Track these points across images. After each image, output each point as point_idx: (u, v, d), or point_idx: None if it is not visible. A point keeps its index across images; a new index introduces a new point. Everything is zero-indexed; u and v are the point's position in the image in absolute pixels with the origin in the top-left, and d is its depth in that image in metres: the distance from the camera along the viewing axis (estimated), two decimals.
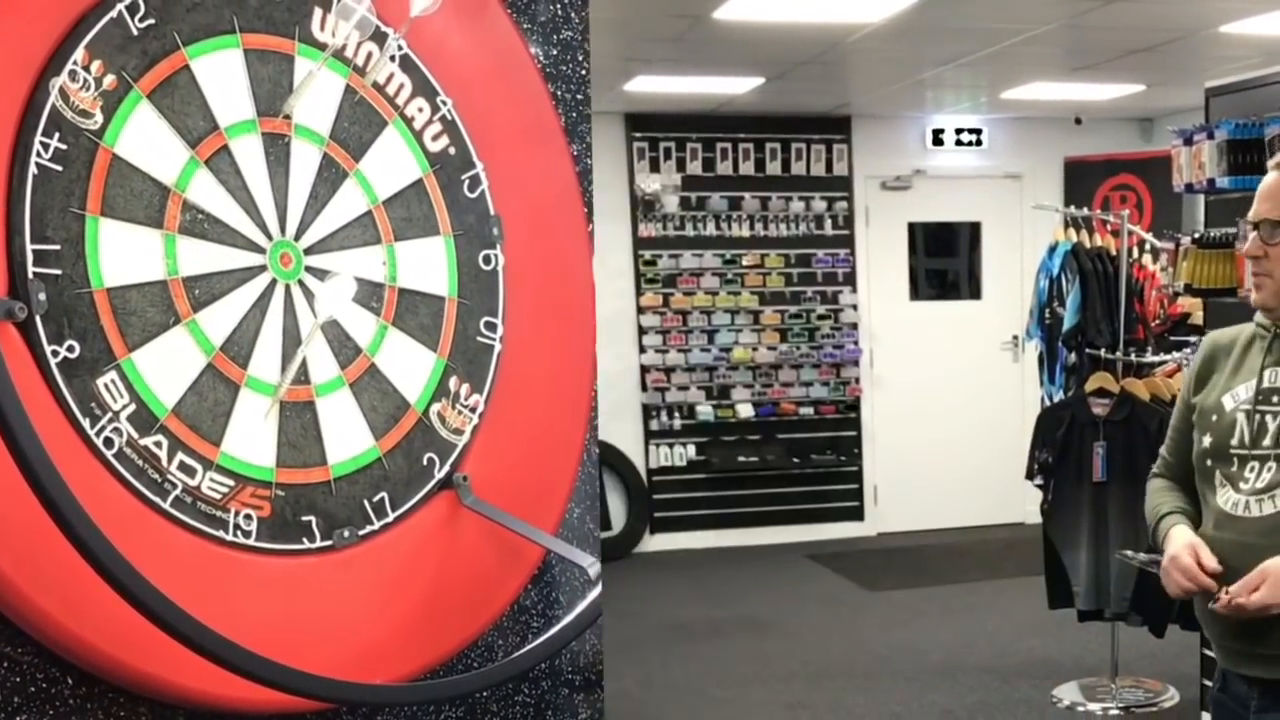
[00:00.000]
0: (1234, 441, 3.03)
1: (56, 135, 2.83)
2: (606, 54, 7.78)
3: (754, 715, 6.38)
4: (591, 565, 3.04)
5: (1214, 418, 3.09)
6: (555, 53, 3.35)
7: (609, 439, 9.95)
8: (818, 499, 10.59)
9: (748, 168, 10.24)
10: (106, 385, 2.87)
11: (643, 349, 10.12)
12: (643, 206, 10.09)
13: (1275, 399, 3.02)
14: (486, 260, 3.31)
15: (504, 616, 3.22)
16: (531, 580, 3.25)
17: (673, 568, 9.75)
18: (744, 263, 10.24)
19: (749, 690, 6.76)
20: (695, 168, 10.17)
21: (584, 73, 3.40)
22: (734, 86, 9.02)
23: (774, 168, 10.32)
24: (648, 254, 10.12)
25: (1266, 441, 2.99)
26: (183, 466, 2.95)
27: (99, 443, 2.85)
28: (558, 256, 3.40)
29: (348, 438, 3.15)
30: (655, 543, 10.31)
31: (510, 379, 3.27)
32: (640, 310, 10.11)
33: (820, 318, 10.36)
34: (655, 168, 10.12)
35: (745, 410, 10.25)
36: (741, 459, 10.26)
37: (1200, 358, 3.22)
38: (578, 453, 3.33)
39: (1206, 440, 3.09)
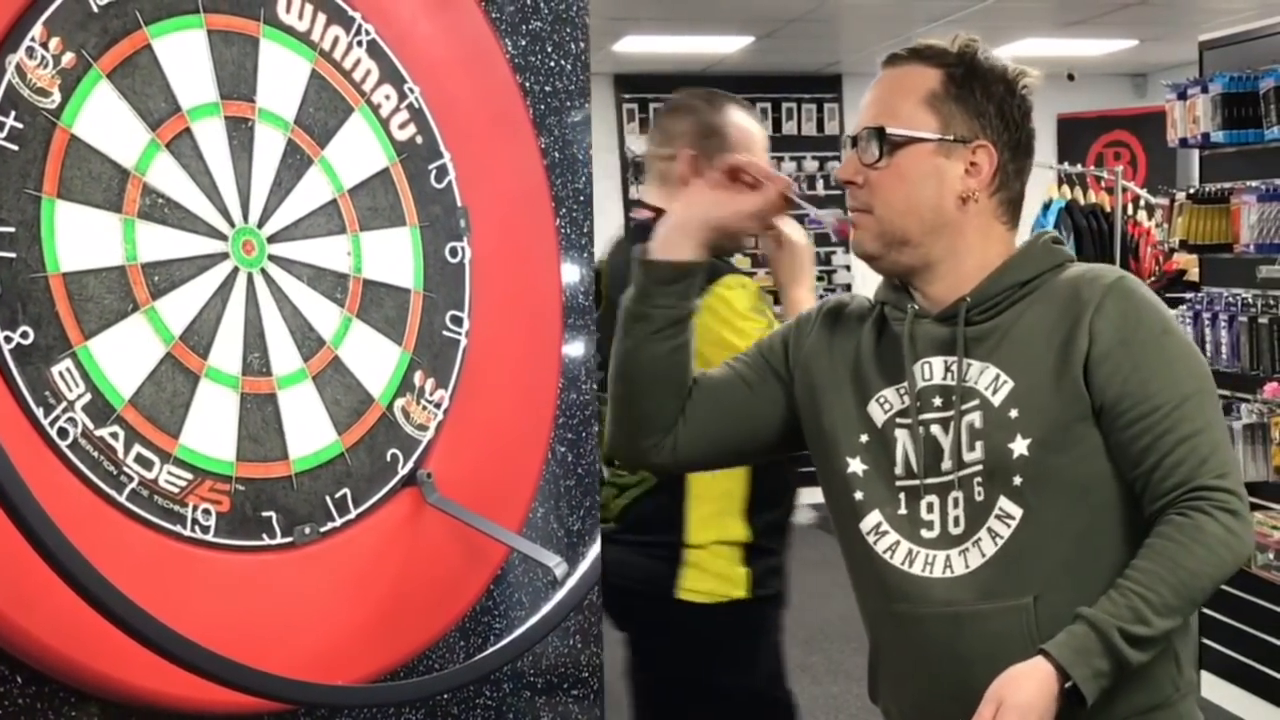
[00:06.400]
0: (899, 470, 2.24)
1: (13, 114, 2.74)
2: (595, 14, 7.67)
3: None
4: (558, 565, 2.98)
5: (862, 437, 2.30)
6: (524, 44, 3.28)
7: None
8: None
9: None
10: (61, 374, 2.79)
11: None
12: (633, 169, 10.00)
13: (937, 401, 2.19)
14: (453, 253, 3.24)
15: (466, 617, 3.16)
16: (494, 581, 3.19)
17: None
18: None
19: None
20: None
21: (552, 64, 3.33)
22: (724, 46, 8.95)
23: (765, 128, 10.19)
24: None
25: (945, 463, 2.17)
26: (140, 459, 2.87)
27: (53, 433, 2.77)
28: (524, 251, 3.33)
29: (310, 432, 3.07)
30: None
31: (476, 375, 3.20)
32: None
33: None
34: (645, 129, 10.02)
35: None
36: None
37: (823, 314, 2.46)
38: (542, 451, 3.27)
39: (855, 468, 2.31)
